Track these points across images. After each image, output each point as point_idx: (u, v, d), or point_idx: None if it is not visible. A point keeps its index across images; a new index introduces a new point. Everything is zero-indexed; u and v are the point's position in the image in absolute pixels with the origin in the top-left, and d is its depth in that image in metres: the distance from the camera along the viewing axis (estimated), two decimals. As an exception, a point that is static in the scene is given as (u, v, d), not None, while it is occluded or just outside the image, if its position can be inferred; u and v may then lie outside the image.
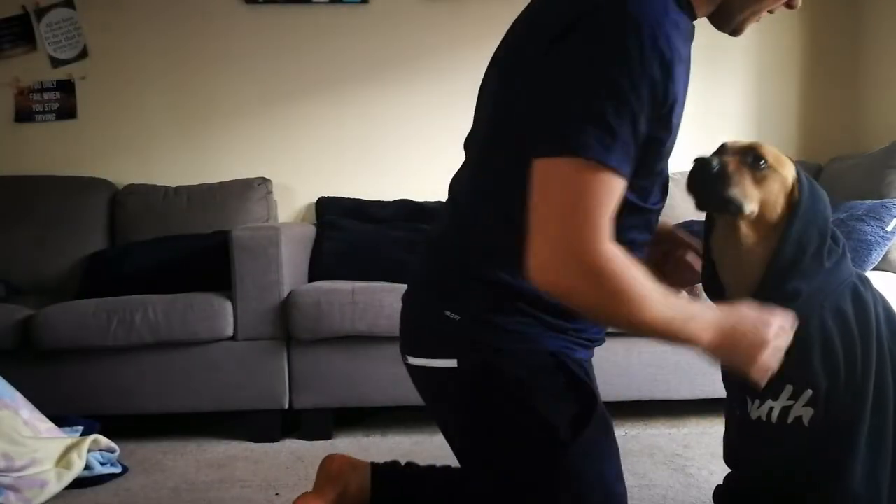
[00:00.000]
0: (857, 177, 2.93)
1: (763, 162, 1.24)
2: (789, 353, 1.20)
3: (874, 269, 2.58)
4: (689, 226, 2.22)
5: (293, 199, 3.38)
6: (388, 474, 1.42)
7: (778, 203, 1.25)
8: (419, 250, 1.30)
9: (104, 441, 2.26)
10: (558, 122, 0.99)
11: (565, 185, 0.98)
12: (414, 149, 3.36)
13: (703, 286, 1.38)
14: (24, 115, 3.34)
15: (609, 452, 1.21)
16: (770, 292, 1.23)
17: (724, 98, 3.41)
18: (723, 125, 3.40)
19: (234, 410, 2.58)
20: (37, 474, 2.04)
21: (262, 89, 3.37)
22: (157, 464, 2.35)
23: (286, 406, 2.55)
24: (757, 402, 1.28)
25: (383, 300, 2.48)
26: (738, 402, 1.34)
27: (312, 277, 2.87)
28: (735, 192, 1.23)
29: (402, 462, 1.47)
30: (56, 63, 3.34)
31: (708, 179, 1.23)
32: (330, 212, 3.18)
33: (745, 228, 1.26)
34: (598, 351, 2.34)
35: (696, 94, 2.87)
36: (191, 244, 2.90)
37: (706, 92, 3.29)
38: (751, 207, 1.24)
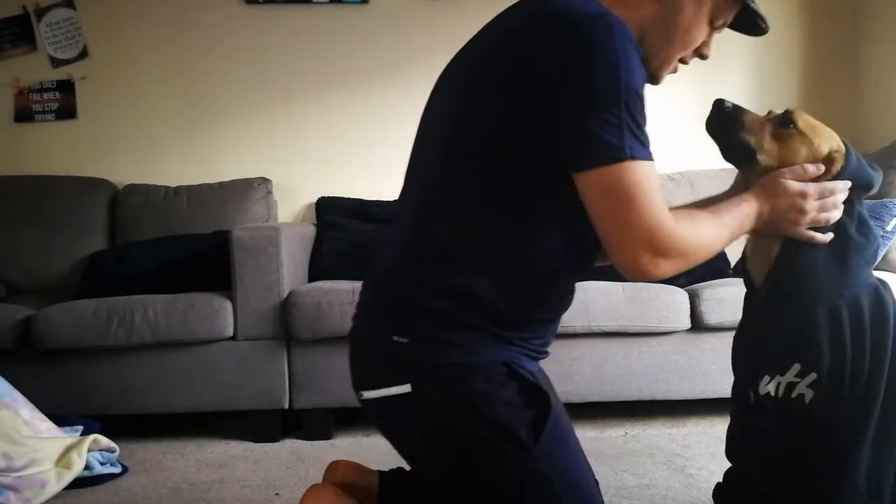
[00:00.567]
0: (857, 177, 2.93)
1: (791, 124, 1.25)
2: (802, 333, 1.22)
3: (874, 268, 2.58)
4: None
5: (293, 199, 3.38)
6: (396, 480, 1.42)
7: (802, 164, 1.24)
8: (362, 287, 1.32)
9: (104, 441, 2.26)
10: (597, 134, 1.06)
11: (628, 185, 1.07)
12: (414, 149, 3.35)
13: (734, 269, 1.42)
14: (24, 115, 3.34)
15: (571, 449, 1.22)
16: (783, 269, 1.23)
17: (724, 98, 3.40)
18: (723, 125, 3.40)
19: (234, 410, 2.58)
20: (37, 474, 2.04)
21: (263, 89, 3.37)
22: (157, 464, 2.35)
23: (286, 406, 2.55)
24: (767, 377, 1.28)
25: (383, 300, 2.48)
26: (743, 391, 1.34)
27: (312, 277, 2.87)
28: (747, 137, 1.25)
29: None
30: (56, 63, 3.35)
31: (720, 119, 1.26)
32: (330, 212, 3.18)
33: None
34: (598, 351, 2.38)
35: (696, 95, 2.89)
36: (191, 244, 2.90)
37: (706, 93, 3.26)
38: (765, 159, 1.24)
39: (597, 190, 1.08)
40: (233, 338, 2.55)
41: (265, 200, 3.21)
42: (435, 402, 1.16)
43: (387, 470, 1.45)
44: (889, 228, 2.54)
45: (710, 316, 2.51)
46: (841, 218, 1.24)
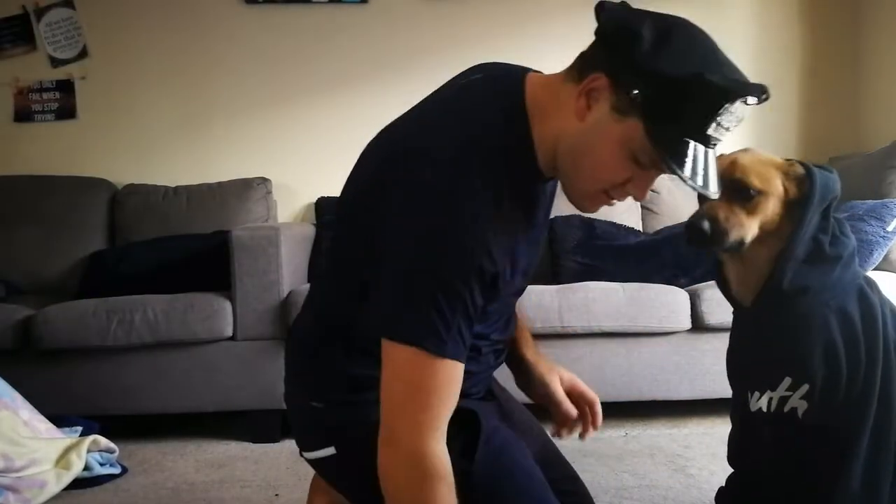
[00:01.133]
0: (857, 177, 2.92)
1: (751, 191, 1.25)
2: (791, 345, 1.22)
3: (875, 269, 2.58)
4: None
5: (293, 199, 3.38)
6: None
7: (776, 214, 1.26)
8: (287, 346, 1.32)
9: (103, 441, 2.26)
10: (396, 306, 1.01)
11: (402, 371, 1.01)
12: (414, 149, 3.35)
13: (717, 284, 1.41)
14: (23, 114, 3.34)
15: (512, 458, 1.18)
16: (778, 288, 1.23)
17: (725, 98, 3.40)
18: (723, 125, 3.40)
19: (234, 410, 2.57)
20: (36, 475, 2.04)
21: (262, 89, 3.37)
22: (157, 464, 2.35)
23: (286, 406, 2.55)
24: (757, 394, 1.29)
25: (383, 300, 2.48)
26: (742, 402, 1.34)
27: (312, 277, 2.87)
28: (733, 236, 1.25)
29: None
30: (56, 63, 3.34)
31: (704, 241, 1.26)
32: (330, 212, 3.17)
33: (752, 246, 1.29)
34: (598, 351, 2.37)
35: (697, 94, 2.88)
36: (191, 244, 2.90)
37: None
38: (752, 236, 1.26)
39: (383, 355, 1.02)
40: (232, 338, 2.55)
41: (265, 200, 3.21)
42: (360, 461, 1.13)
43: None
44: (890, 228, 2.53)
45: (711, 316, 2.51)
46: (817, 236, 1.24)
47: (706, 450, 2.32)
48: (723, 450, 1.51)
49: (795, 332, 1.24)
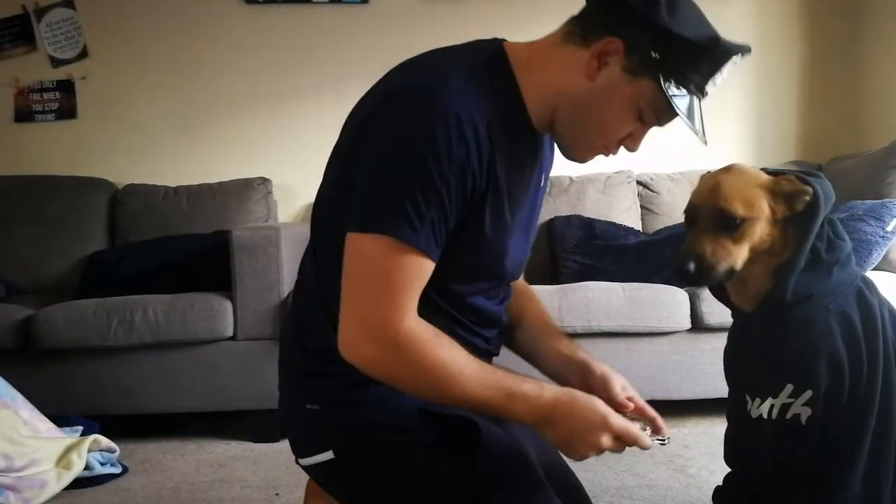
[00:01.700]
0: (857, 177, 2.93)
1: (736, 220, 1.21)
2: (793, 352, 1.21)
3: (874, 269, 2.58)
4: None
5: (293, 199, 3.38)
6: None
7: (765, 235, 1.23)
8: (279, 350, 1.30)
9: (104, 441, 2.26)
10: (370, 200, 1.02)
11: (371, 261, 1.01)
12: (414, 149, 3.35)
13: (711, 291, 1.40)
14: (24, 115, 3.34)
15: (513, 470, 1.15)
16: (781, 299, 1.23)
17: (725, 98, 3.41)
18: (723, 125, 3.40)
19: (234, 410, 2.58)
20: (36, 474, 2.04)
21: (263, 89, 3.37)
22: (157, 464, 2.35)
23: (281, 414, 2.55)
24: (758, 400, 1.28)
25: (383, 300, 2.48)
26: (739, 402, 1.34)
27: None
28: (721, 268, 1.23)
29: None
30: (56, 63, 3.34)
31: (693, 279, 1.24)
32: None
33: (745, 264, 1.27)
34: (598, 351, 2.37)
35: (697, 94, 2.88)
36: (191, 244, 2.90)
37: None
38: (742, 262, 1.24)
39: (348, 253, 1.03)
40: (232, 338, 2.55)
41: (265, 200, 3.21)
42: (359, 464, 1.13)
43: None
44: (889, 228, 2.53)
45: (711, 316, 2.51)
46: (814, 244, 1.23)
47: (706, 449, 2.32)
48: (722, 450, 1.51)
49: (797, 339, 1.23)
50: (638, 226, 3.16)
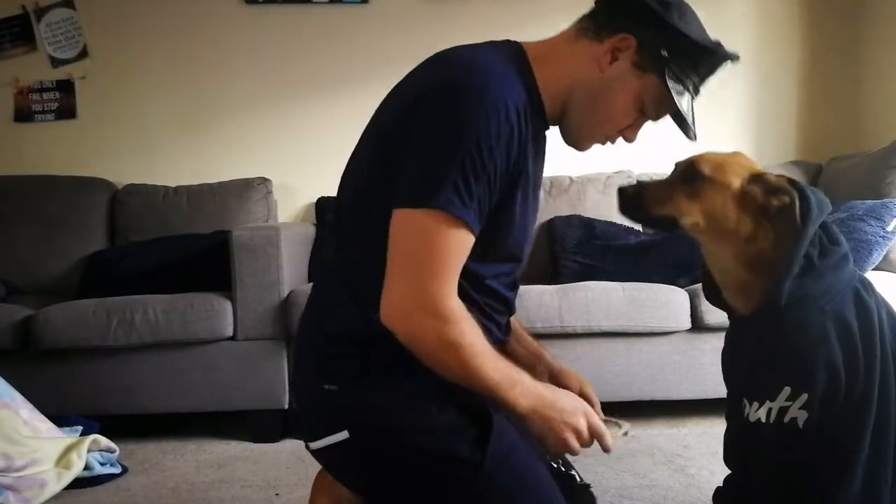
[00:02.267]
0: (857, 177, 2.93)
1: (698, 175, 1.25)
2: (789, 355, 1.21)
3: (874, 269, 2.58)
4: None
5: (293, 199, 3.38)
6: None
7: (726, 209, 1.24)
8: (298, 325, 1.33)
9: (104, 441, 2.26)
10: (423, 178, 1.07)
11: (423, 236, 1.07)
12: (414, 149, 3.35)
13: (705, 295, 1.40)
14: (23, 114, 3.34)
15: (521, 457, 1.19)
16: (776, 305, 1.23)
17: (725, 98, 3.41)
18: (723, 125, 3.40)
19: (234, 410, 2.57)
20: (36, 474, 2.04)
21: (263, 89, 3.37)
22: (157, 464, 2.35)
23: (286, 406, 2.55)
24: (756, 404, 1.28)
25: (383, 300, 2.48)
26: (737, 405, 1.34)
27: (312, 277, 2.87)
28: (660, 211, 1.25)
29: None
30: (56, 63, 3.34)
31: (627, 205, 1.28)
32: (330, 212, 3.17)
33: (709, 242, 1.29)
34: (598, 351, 2.37)
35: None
36: (191, 244, 2.90)
37: (706, 93, 3.27)
38: (688, 220, 1.25)
39: (398, 228, 1.08)
40: (232, 338, 2.55)
41: (265, 200, 3.21)
42: (374, 444, 1.16)
43: None
44: (889, 228, 2.53)
45: (711, 316, 2.51)
46: (808, 250, 1.23)
47: (705, 449, 2.32)
48: (722, 450, 1.51)
49: (793, 342, 1.23)
50: (638, 226, 3.16)
